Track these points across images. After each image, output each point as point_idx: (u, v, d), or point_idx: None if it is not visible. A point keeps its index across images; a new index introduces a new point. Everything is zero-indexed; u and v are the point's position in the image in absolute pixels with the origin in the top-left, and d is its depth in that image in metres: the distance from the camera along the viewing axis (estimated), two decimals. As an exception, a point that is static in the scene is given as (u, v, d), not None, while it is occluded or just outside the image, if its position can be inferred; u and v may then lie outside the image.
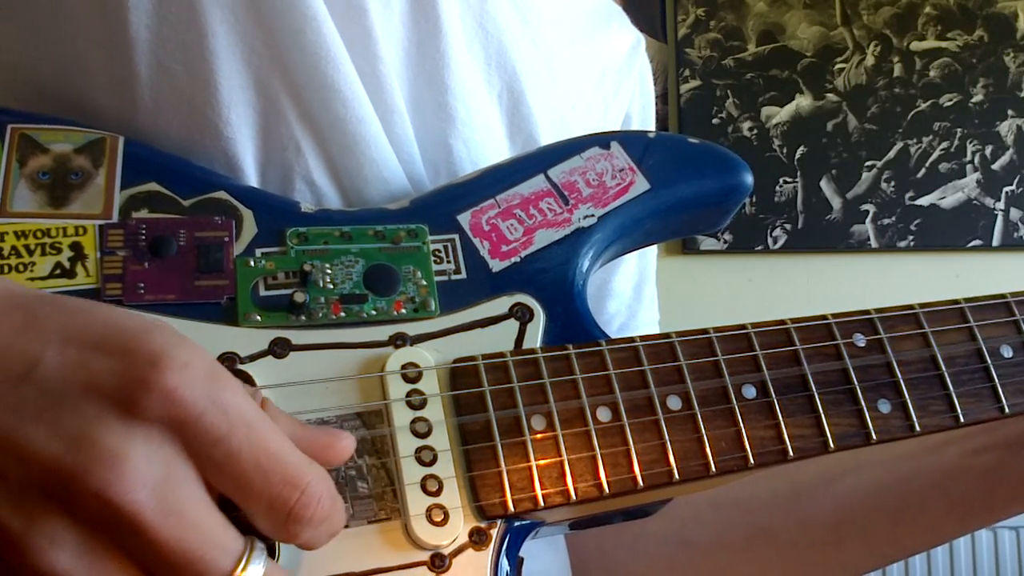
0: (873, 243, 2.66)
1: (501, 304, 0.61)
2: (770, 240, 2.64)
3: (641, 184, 0.66)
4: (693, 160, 0.68)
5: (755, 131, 2.66)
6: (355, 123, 0.62)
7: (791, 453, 0.59)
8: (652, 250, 0.88)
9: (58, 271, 0.54)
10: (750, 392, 0.60)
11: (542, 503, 0.55)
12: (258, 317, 0.56)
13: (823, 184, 2.66)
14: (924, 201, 2.68)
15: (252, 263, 0.57)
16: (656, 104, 0.90)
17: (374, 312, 0.58)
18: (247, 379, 0.54)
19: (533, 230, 0.63)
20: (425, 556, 0.53)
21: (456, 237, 0.62)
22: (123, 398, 0.40)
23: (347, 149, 0.63)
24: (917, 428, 0.61)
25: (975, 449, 0.72)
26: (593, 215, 0.64)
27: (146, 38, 0.59)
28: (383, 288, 0.59)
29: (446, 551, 0.53)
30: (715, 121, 2.66)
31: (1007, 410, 0.64)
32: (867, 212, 2.67)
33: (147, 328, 0.43)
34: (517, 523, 0.56)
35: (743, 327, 0.62)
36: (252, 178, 0.62)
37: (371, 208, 0.63)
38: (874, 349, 0.63)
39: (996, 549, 2.56)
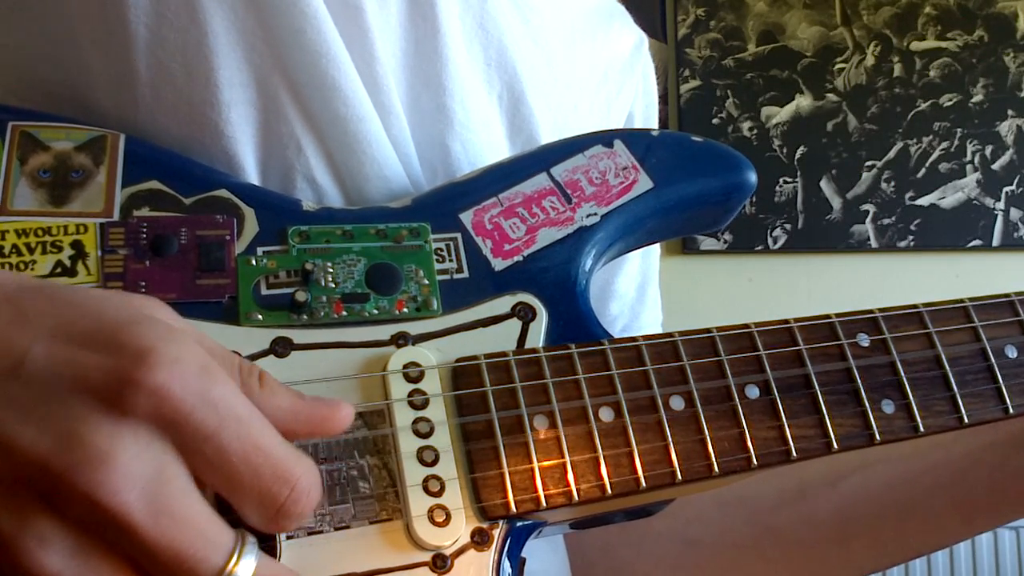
0: (873, 243, 2.66)
1: (503, 303, 0.60)
2: (770, 240, 2.64)
3: (644, 182, 0.65)
4: (696, 158, 0.67)
5: (755, 131, 2.66)
6: (356, 121, 0.62)
7: (794, 454, 0.59)
8: (655, 251, 0.88)
9: (59, 270, 0.54)
10: (753, 392, 0.60)
11: (544, 503, 0.55)
12: (259, 316, 0.56)
13: (823, 184, 2.66)
14: (924, 201, 2.68)
15: (254, 262, 0.57)
16: (656, 104, 0.90)
17: (376, 311, 0.58)
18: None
19: (536, 229, 0.63)
20: (427, 557, 0.53)
21: (458, 236, 0.62)
22: (112, 395, 0.40)
23: (348, 147, 0.63)
24: (921, 429, 0.61)
25: (982, 447, 0.71)
26: (596, 214, 0.64)
27: (146, 37, 0.59)
28: (385, 287, 0.59)
29: (448, 552, 0.53)
30: (715, 121, 2.65)
31: (1011, 411, 0.63)
32: (867, 212, 2.67)
33: (137, 320, 0.42)
34: (519, 523, 0.56)
35: (746, 326, 0.61)
36: (253, 177, 0.62)
37: (373, 206, 0.63)
38: (878, 349, 0.63)
39: (996, 549, 2.56)
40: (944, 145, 2.70)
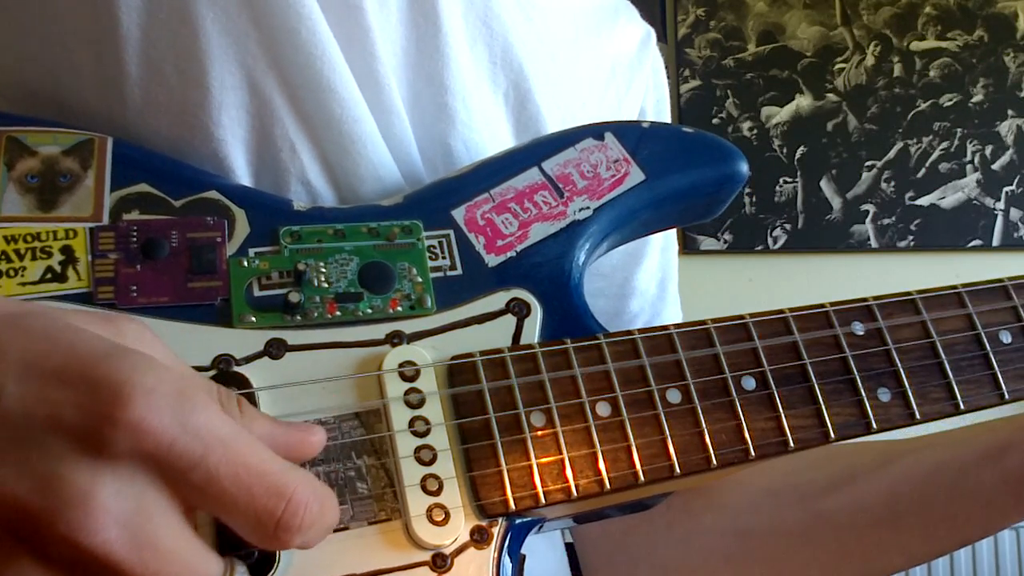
0: (873, 243, 2.66)
1: (498, 300, 0.60)
2: (770, 240, 2.63)
3: (636, 175, 0.65)
4: (687, 149, 0.67)
5: (755, 131, 2.66)
6: (351, 123, 0.62)
7: (792, 444, 0.59)
8: (674, 246, 0.87)
9: (49, 275, 0.54)
10: (750, 384, 0.59)
11: (543, 500, 0.55)
12: (253, 318, 0.56)
13: (823, 184, 2.66)
14: (924, 201, 2.68)
15: (245, 263, 0.57)
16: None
17: (370, 310, 0.58)
18: (242, 381, 0.53)
19: (528, 224, 0.63)
20: (426, 556, 0.53)
21: (451, 232, 0.61)
22: (89, 435, 0.39)
23: (343, 149, 0.62)
24: (917, 416, 0.61)
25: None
26: (588, 207, 0.64)
27: (137, 37, 0.58)
28: (378, 286, 0.58)
29: (447, 551, 0.53)
30: (715, 121, 2.66)
31: (1007, 396, 0.63)
32: (867, 212, 2.66)
33: (110, 353, 0.41)
34: (518, 520, 0.55)
35: (741, 317, 0.61)
36: (244, 179, 0.61)
37: (364, 204, 0.62)
38: (873, 337, 0.63)
39: (996, 549, 2.55)
40: (944, 145, 2.70)
